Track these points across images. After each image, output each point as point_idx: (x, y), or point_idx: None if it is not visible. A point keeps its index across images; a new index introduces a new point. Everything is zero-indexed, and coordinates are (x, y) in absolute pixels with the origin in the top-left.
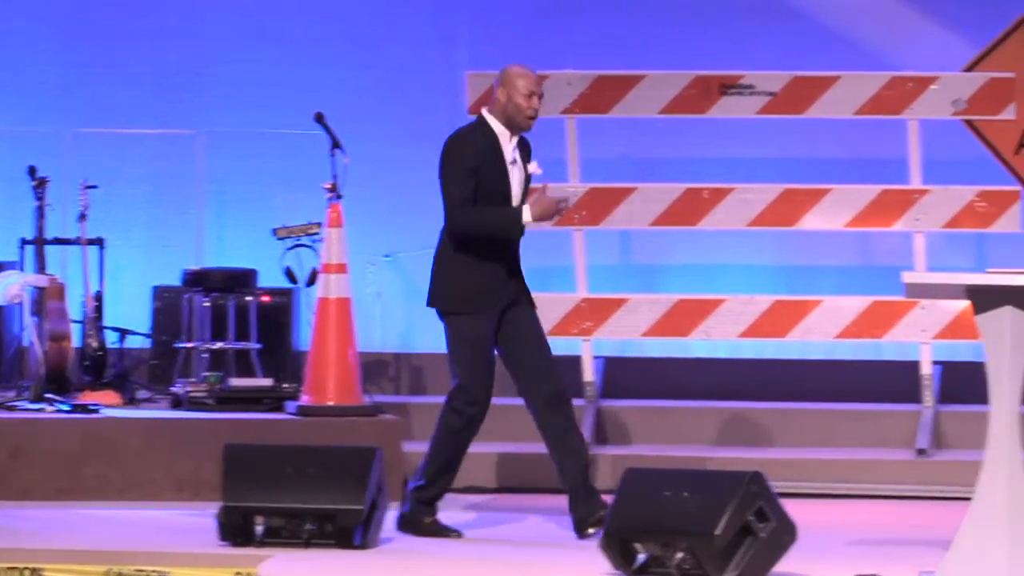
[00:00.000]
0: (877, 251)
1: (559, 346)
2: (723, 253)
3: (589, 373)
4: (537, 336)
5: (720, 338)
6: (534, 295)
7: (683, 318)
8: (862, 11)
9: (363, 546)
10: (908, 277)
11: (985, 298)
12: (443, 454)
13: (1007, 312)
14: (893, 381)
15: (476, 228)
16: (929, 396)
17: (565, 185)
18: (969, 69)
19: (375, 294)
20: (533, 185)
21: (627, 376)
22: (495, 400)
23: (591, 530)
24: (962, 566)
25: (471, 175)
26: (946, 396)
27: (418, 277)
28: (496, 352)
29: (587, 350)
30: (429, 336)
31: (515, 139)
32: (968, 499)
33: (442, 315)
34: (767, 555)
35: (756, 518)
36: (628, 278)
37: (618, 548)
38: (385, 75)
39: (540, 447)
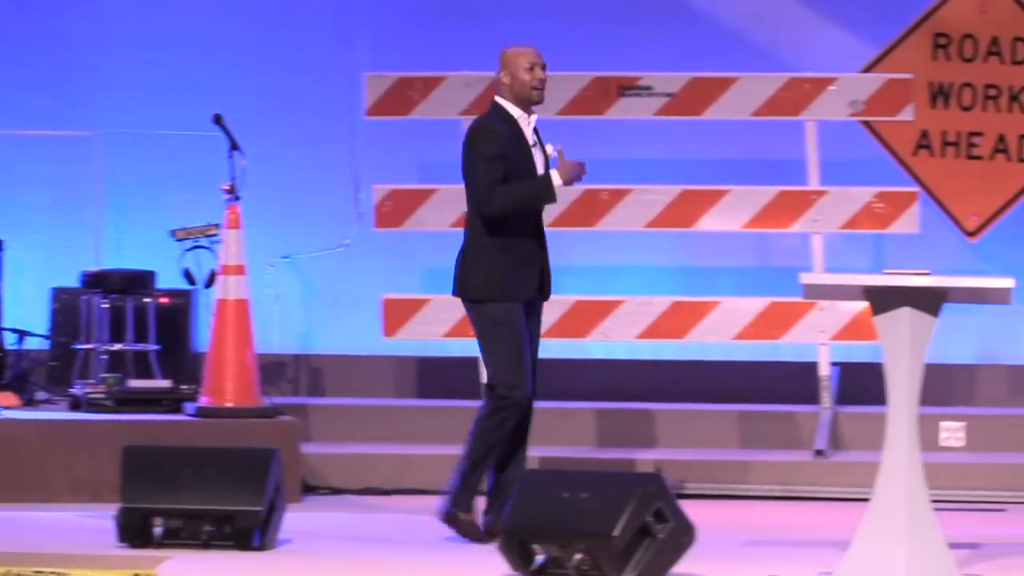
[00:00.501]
0: (775, 252)
1: (455, 348)
2: (622, 254)
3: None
4: (535, 337)
5: (618, 339)
6: (427, 297)
7: (582, 319)
8: (760, 13)
9: (262, 547)
10: (806, 278)
11: (883, 299)
12: (477, 456)
13: (905, 313)
14: (791, 382)
15: (511, 203)
16: (827, 397)
17: (462, 187)
18: (867, 70)
19: (273, 295)
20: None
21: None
22: (386, 401)
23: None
24: (860, 567)
25: (498, 161)
26: (844, 397)
27: (316, 278)
28: None
29: None
30: (327, 337)
31: (533, 121)
32: (866, 500)
33: (472, 304)
34: (665, 556)
35: (654, 519)
36: None
37: (516, 549)
38: (284, 77)
39: (439, 448)
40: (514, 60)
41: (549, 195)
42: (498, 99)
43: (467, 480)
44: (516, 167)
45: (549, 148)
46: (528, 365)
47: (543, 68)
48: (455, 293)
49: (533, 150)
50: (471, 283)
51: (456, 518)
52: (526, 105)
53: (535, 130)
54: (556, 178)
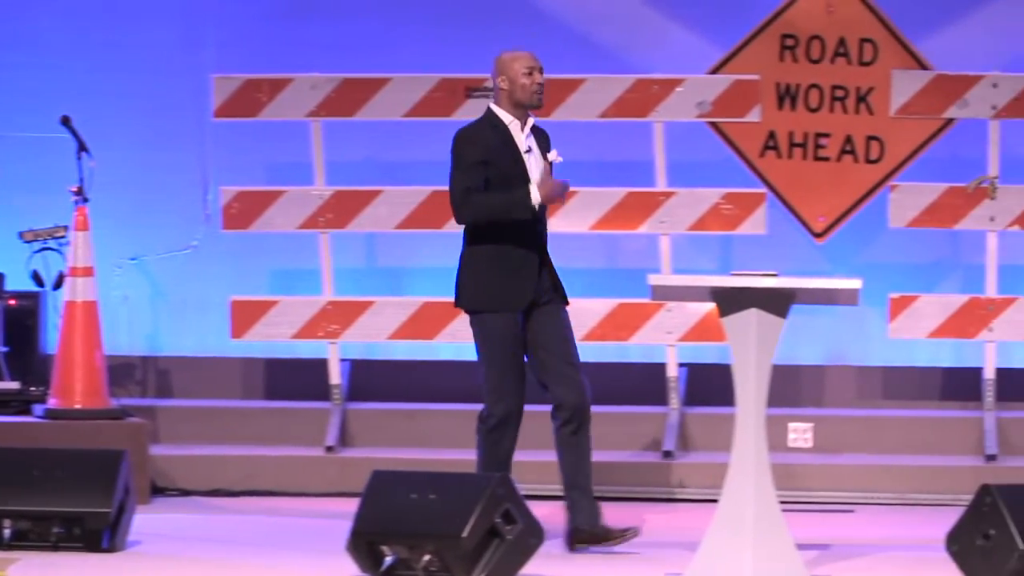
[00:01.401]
0: (623, 253)
1: (303, 350)
2: None
3: (336, 376)
4: (563, 339)
5: (466, 341)
6: (275, 299)
7: (429, 321)
8: (607, 14)
9: (111, 549)
10: (654, 280)
11: (730, 300)
12: (483, 465)
13: (752, 314)
14: (639, 383)
15: (484, 214)
16: (675, 398)
17: (310, 188)
18: (714, 72)
19: (122, 297)
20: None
21: (374, 379)
22: (234, 403)
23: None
24: (708, 567)
25: (478, 168)
26: (692, 398)
27: (164, 280)
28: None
29: (333, 353)
30: (175, 339)
31: (528, 127)
32: (714, 501)
33: (469, 315)
34: (514, 557)
35: (503, 520)
36: (374, 281)
37: (365, 550)
38: (131, 78)
39: (288, 449)
40: (511, 65)
41: (522, 210)
42: (492, 106)
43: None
44: (504, 174)
45: (552, 154)
46: (518, 378)
47: (540, 72)
48: (455, 304)
49: (527, 156)
50: (463, 293)
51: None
52: (523, 110)
53: (538, 135)
54: (535, 194)
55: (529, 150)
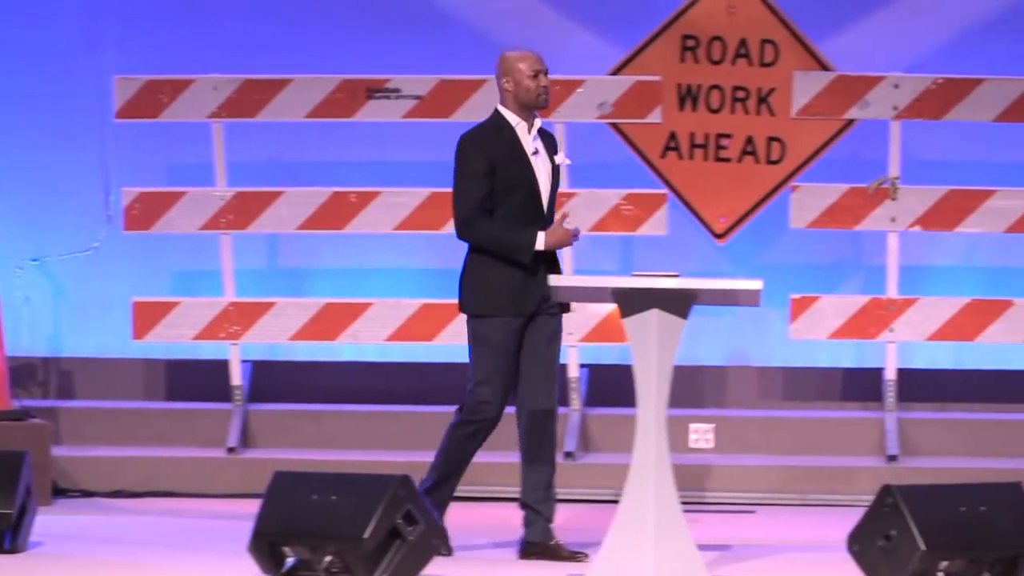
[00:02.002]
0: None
1: (205, 351)
2: (370, 257)
3: (237, 377)
4: (549, 354)
5: (368, 342)
6: (176, 300)
7: (331, 321)
8: (509, 15)
9: (13, 550)
10: (555, 280)
11: (631, 301)
12: (446, 462)
13: (654, 315)
14: None
15: (485, 244)
16: (576, 399)
17: (211, 190)
18: (615, 73)
19: (23, 298)
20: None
21: (275, 380)
22: (136, 404)
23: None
24: (610, 568)
25: (483, 178)
26: (593, 399)
27: (66, 281)
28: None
29: (235, 354)
30: (77, 340)
31: (535, 129)
32: (616, 502)
33: (470, 317)
34: (415, 558)
35: (404, 521)
36: (276, 282)
37: (267, 551)
38: (32, 79)
39: (189, 451)
40: (516, 66)
41: (524, 254)
42: (499, 107)
43: (433, 496)
44: (510, 177)
45: (560, 157)
46: (505, 387)
47: (546, 73)
48: (460, 309)
49: (534, 158)
50: (464, 297)
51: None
52: (529, 112)
53: (545, 138)
54: (540, 242)
55: (536, 152)
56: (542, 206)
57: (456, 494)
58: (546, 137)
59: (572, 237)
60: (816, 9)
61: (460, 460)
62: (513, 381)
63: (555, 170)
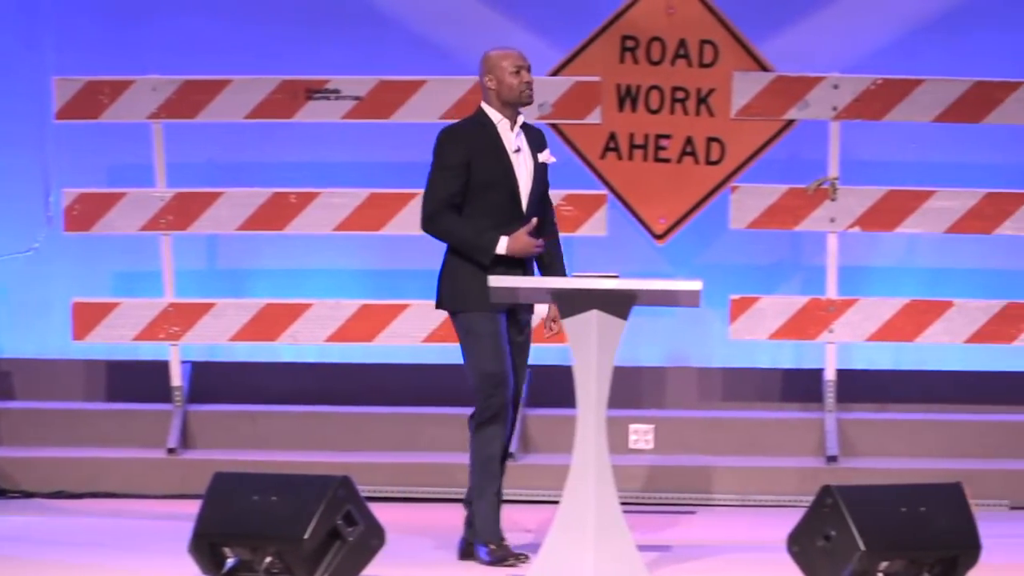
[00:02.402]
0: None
1: (145, 352)
2: (310, 257)
3: (177, 378)
4: (523, 362)
5: (307, 343)
6: (117, 301)
7: (270, 322)
8: (449, 16)
9: None
10: (494, 281)
11: (571, 302)
12: (482, 471)
13: (593, 316)
14: None
15: (446, 240)
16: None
17: (151, 190)
18: (555, 73)
19: None
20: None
21: (216, 380)
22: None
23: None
24: (550, 568)
25: (456, 172)
26: (533, 400)
27: (6, 282)
28: None
29: (175, 355)
30: (17, 341)
31: (518, 127)
32: (556, 502)
33: (452, 315)
34: (355, 558)
35: (344, 522)
36: (215, 283)
37: (207, 552)
38: None
39: (131, 451)
40: (498, 64)
41: (483, 256)
42: (483, 104)
43: (474, 498)
44: (488, 174)
45: (544, 155)
46: (505, 374)
47: (528, 70)
48: (436, 306)
49: (516, 155)
50: (443, 294)
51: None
52: (512, 109)
53: (532, 134)
54: (502, 247)
55: (518, 150)
56: (521, 204)
57: (406, 495)
58: (533, 135)
59: (535, 247)
60: (755, 10)
61: (492, 461)
62: (509, 369)
63: (541, 168)
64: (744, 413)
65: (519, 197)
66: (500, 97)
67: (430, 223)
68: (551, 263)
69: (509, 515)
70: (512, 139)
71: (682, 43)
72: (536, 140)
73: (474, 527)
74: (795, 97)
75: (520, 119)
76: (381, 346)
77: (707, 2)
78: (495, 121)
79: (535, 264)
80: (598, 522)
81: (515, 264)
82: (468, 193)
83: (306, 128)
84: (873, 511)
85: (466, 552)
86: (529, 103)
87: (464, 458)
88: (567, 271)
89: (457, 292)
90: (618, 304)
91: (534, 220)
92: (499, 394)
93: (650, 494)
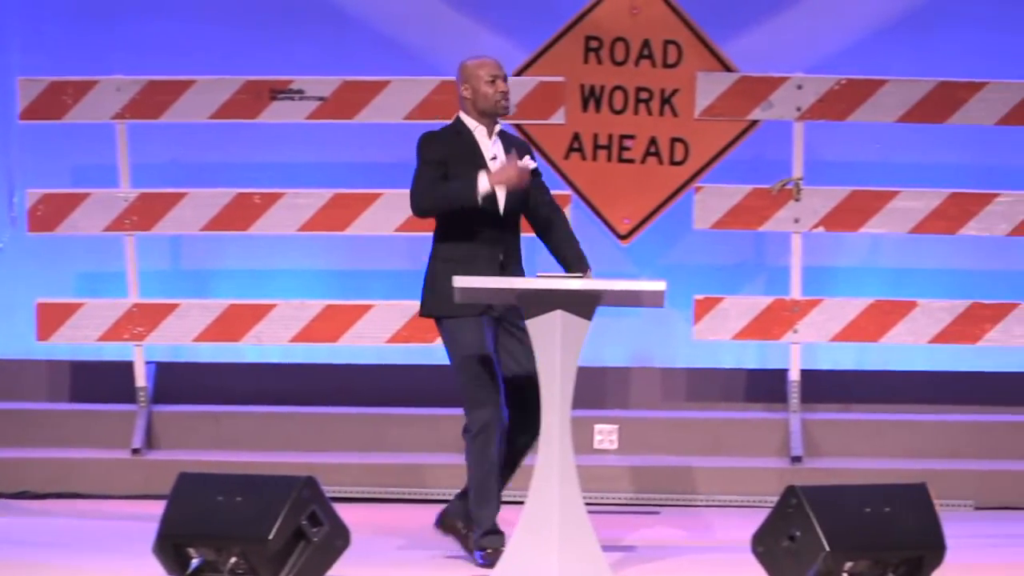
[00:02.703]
0: (427, 256)
1: (109, 352)
2: (274, 258)
3: (141, 378)
4: (525, 356)
5: (272, 343)
6: (81, 301)
7: (235, 323)
8: (412, 16)
9: None
10: (459, 281)
11: (535, 302)
12: (478, 480)
13: (557, 316)
14: (444, 385)
15: (435, 203)
16: None
17: (115, 191)
18: (519, 74)
19: None
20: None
21: (179, 381)
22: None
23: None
24: (515, 568)
25: (435, 166)
26: None
27: None
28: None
29: (139, 355)
30: None
31: (495, 135)
32: (521, 503)
33: (437, 322)
34: (320, 559)
35: (309, 522)
36: (180, 283)
37: (172, 552)
38: None
39: (95, 452)
40: (474, 73)
41: (468, 194)
42: (460, 114)
43: (473, 508)
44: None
45: (525, 160)
46: (492, 381)
47: (504, 79)
48: (420, 314)
49: (493, 164)
50: (430, 302)
51: (454, 527)
52: (489, 118)
53: (512, 142)
54: (483, 179)
55: (495, 157)
56: (499, 210)
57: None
58: (514, 143)
59: (520, 171)
60: (719, 10)
61: (490, 470)
62: (496, 375)
63: (524, 174)
64: (708, 413)
65: (495, 203)
66: (476, 106)
67: (420, 200)
68: (573, 263)
69: None
70: (489, 146)
71: (646, 44)
72: (519, 148)
73: (471, 518)
74: (759, 97)
75: (497, 127)
76: (346, 346)
77: (671, 3)
78: (471, 128)
79: (557, 261)
80: (563, 522)
81: (492, 261)
82: None
83: (270, 128)
84: (838, 511)
85: (441, 521)
86: (505, 113)
87: (431, 458)
88: (567, 268)
89: (433, 299)
90: (582, 304)
91: (524, 162)
92: (484, 409)
93: (615, 494)
